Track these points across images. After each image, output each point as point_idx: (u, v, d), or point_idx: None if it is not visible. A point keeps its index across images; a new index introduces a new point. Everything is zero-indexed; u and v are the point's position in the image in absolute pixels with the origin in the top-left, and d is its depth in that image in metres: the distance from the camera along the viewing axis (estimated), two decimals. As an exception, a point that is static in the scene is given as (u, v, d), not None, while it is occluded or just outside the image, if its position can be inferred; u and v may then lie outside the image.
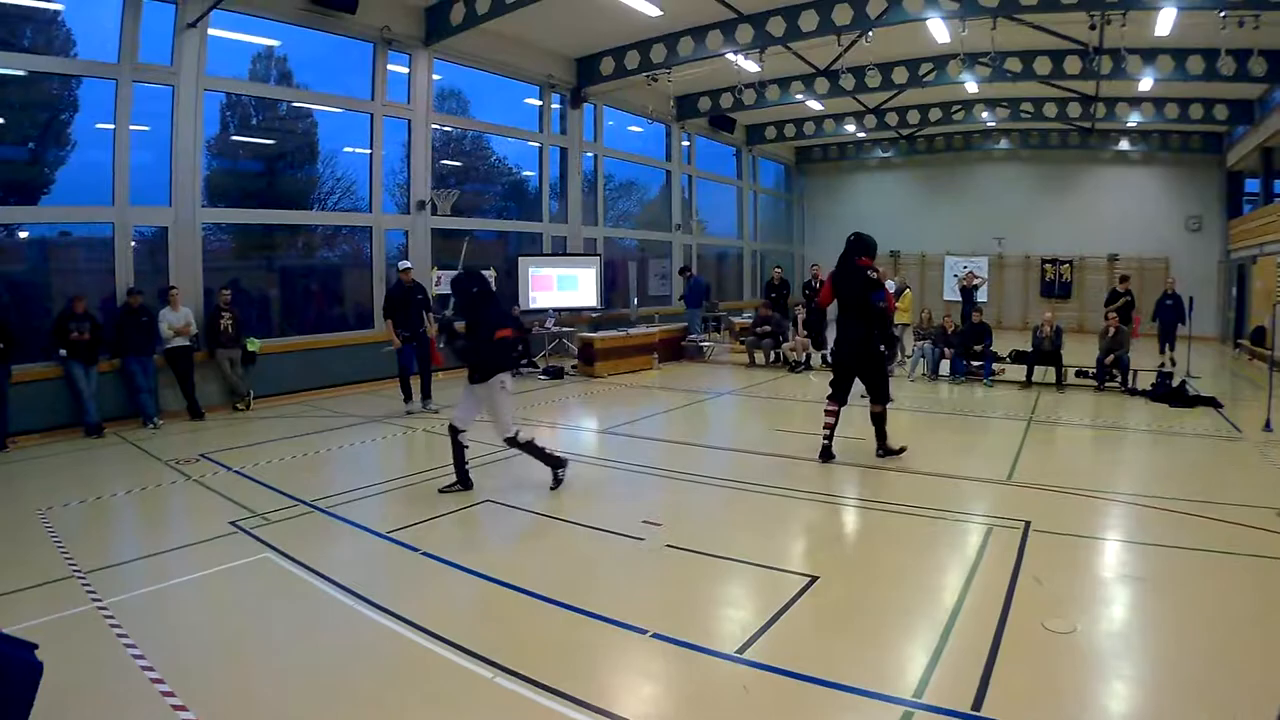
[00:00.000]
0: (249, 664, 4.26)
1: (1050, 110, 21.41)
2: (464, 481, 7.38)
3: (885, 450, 8.66)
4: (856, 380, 8.63)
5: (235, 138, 13.19)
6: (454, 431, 7.31)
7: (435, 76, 15.19)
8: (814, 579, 5.28)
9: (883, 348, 8.69)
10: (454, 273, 9.22)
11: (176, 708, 3.68)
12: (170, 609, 4.97)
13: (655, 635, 4.47)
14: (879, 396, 8.58)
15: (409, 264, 12.29)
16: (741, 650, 4.28)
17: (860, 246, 8.49)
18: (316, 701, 3.88)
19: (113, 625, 4.55)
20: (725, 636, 4.50)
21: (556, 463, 7.51)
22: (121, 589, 5.11)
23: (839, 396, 8.61)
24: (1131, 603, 5.07)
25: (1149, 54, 15.69)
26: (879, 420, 8.66)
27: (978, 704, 3.72)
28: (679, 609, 4.95)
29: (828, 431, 8.59)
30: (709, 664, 4.19)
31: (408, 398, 11.46)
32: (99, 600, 4.88)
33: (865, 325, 8.43)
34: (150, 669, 4.04)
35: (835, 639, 4.50)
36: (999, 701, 3.73)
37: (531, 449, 7.39)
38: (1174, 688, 3.98)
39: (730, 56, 16.13)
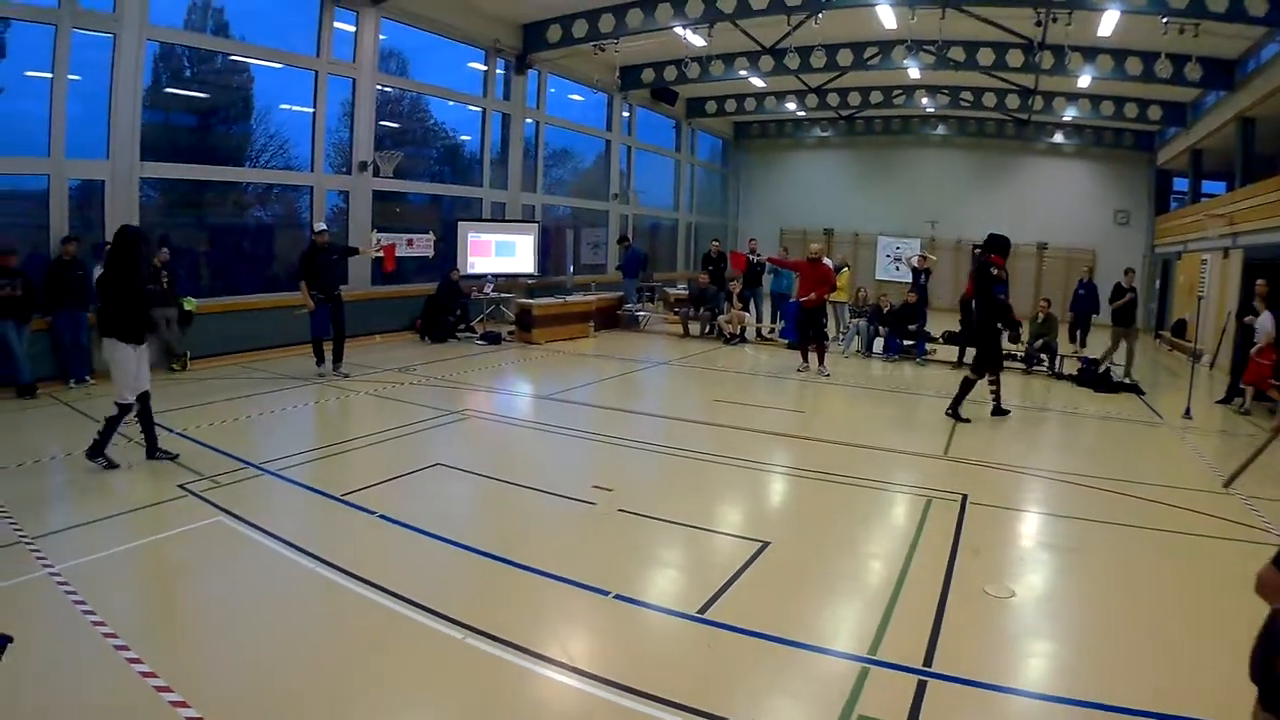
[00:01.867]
0: (214, 627, 4.24)
1: (989, 100, 21.93)
2: (153, 451, 6.94)
3: (954, 412, 9.88)
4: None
5: (169, 90, 12.72)
6: (129, 410, 6.79)
7: (381, 36, 14.86)
8: (765, 544, 5.48)
9: (1003, 329, 9.87)
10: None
11: (145, 674, 3.62)
12: (126, 574, 4.88)
13: (618, 596, 4.60)
14: (977, 367, 9.98)
15: (324, 226, 12.08)
16: (703, 610, 4.44)
17: (993, 244, 9.84)
18: (287, 666, 3.90)
19: (68, 591, 4.40)
20: (686, 597, 4.66)
21: (104, 444, 6.77)
22: (73, 554, 4.92)
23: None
24: (1063, 571, 5.42)
25: (1090, 52, 16.14)
26: (966, 385, 9.95)
27: (928, 661, 3.97)
28: (638, 571, 5.12)
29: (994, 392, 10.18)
30: (672, 623, 4.35)
31: (320, 360, 11.36)
32: (50, 566, 4.72)
33: (986, 311, 9.79)
34: (112, 635, 3.94)
35: (792, 601, 4.69)
36: (948, 659, 3.99)
37: (115, 424, 6.78)
38: (1103, 648, 4.29)
39: (678, 30, 16.11)
